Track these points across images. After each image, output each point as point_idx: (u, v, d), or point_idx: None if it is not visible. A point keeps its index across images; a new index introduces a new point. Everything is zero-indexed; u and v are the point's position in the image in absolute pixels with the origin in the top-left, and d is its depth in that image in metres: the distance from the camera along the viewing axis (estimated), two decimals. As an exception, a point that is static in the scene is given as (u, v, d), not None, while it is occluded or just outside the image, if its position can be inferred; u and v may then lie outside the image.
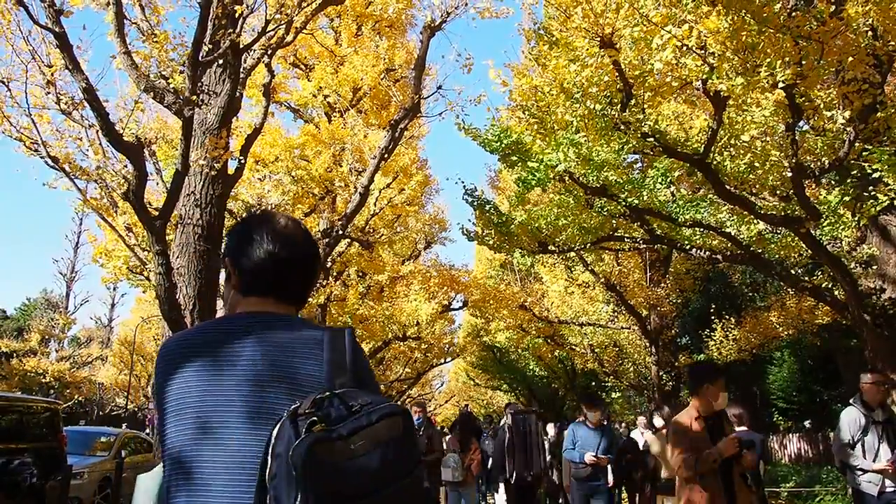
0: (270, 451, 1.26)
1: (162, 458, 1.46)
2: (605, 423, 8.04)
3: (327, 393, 1.33)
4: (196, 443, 1.39)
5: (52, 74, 5.86)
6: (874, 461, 5.48)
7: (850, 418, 5.67)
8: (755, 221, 8.88)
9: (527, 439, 8.19)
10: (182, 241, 6.77)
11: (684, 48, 6.10)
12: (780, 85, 5.90)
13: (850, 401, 5.82)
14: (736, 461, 4.08)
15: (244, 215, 2.39)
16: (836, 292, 9.43)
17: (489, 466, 11.02)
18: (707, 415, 4.25)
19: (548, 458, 9.54)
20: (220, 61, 6.83)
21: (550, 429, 12.51)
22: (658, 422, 9.93)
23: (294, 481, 1.21)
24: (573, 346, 19.21)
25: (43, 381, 32.66)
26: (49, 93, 5.96)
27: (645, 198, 8.82)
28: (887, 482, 5.42)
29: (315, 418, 1.25)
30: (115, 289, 43.25)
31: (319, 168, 11.74)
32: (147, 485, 3.44)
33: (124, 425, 29.61)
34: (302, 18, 7.35)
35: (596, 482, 7.43)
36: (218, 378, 1.42)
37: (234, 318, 1.55)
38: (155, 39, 6.19)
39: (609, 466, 7.72)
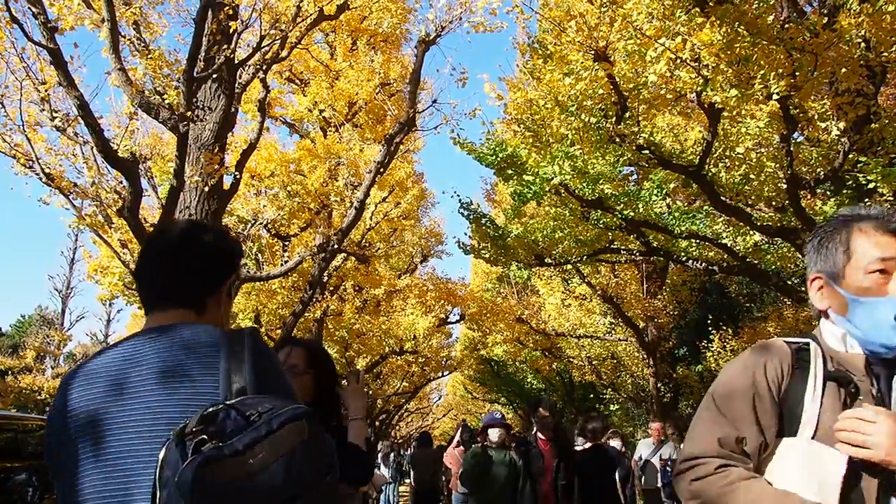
0: (158, 477, 1.16)
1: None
2: None
3: (220, 406, 1.20)
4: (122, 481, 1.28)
5: (46, 91, 5.86)
6: None
7: None
8: (751, 232, 8.88)
9: None
10: (177, 257, 6.73)
11: (678, 61, 6.13)
12: (775, 96, 5.92)
13: None
14: None
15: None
16: (833, 303, 9.40)
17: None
18: None
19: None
20: (215, 77, 6.83)
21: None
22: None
23: None
24: (571, 359, 19.17)
25: (39, 398, 32.41)
26: (43, 109, 5.95)
27: (641, 210, 8.83)
28: None
29: (204, 437, 1.14)
30: (110, 305, 43.05)
31: (315, 183, 11.72)
32: None
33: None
34: (297, 34, 7.35)
35: None
36: (124, 405, 1.32)
37: (130, 338, 1.46)
38: (149, 56, 6.20)
39: None
